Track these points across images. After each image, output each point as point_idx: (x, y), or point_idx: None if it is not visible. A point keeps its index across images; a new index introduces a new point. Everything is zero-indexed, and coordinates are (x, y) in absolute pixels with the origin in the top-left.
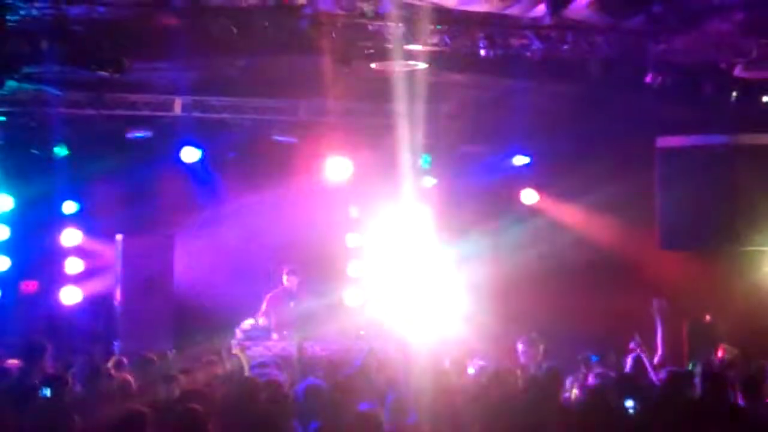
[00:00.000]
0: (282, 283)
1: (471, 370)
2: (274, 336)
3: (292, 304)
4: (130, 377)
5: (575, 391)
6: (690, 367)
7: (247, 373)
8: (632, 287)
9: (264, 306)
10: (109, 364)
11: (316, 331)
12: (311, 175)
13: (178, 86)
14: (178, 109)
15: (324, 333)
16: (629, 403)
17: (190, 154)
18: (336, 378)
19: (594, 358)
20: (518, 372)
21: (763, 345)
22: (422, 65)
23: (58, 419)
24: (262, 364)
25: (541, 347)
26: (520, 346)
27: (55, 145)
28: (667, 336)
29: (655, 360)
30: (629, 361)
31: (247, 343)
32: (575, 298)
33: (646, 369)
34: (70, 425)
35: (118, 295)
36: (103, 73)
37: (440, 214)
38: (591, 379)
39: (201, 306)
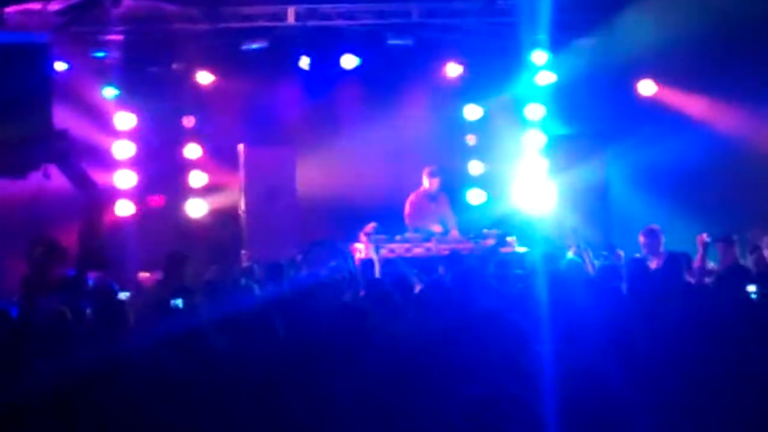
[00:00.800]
0: (422, 185)
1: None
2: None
3: (433, 205)
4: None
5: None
6: None
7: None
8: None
9: (407, 208)
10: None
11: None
12: (427, 77)
13: None
14: (291, 18)
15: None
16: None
17: (306, 63)
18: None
19: (709, 240)
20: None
21: None
22: None
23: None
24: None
25: (662, 238)
26: (641, 238)
27: (173, 61)
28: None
29: None
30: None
31: (372, 246)
32: (702, 199)
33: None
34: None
35: (242, 205)
36: None
37: (559, 109)
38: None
39: (326, 212)
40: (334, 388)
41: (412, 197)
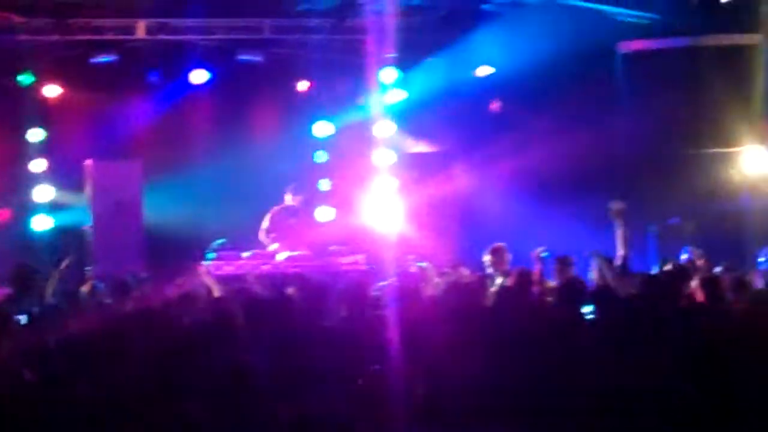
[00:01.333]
0: (284, 201)
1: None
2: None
3: (293, 221)
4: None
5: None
6: (660, 266)
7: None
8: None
9: (265, 222)
10: (84, 288)
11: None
12: (278, 93)
13: (141, 8)
14: (141, 32)
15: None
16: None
17: (156, 77)
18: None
19: (545, 255)
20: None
21: (727, 247)
22: None
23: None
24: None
25: (507, 256)
26: (486, 257)
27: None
28: (627, 238)
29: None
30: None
31: (219, 263)
32: (542, 209)
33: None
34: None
35: (89, 220)
36: None
37: (408, 127)
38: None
39: (174, 228)
40: (183, 405)
41: (272, 212)
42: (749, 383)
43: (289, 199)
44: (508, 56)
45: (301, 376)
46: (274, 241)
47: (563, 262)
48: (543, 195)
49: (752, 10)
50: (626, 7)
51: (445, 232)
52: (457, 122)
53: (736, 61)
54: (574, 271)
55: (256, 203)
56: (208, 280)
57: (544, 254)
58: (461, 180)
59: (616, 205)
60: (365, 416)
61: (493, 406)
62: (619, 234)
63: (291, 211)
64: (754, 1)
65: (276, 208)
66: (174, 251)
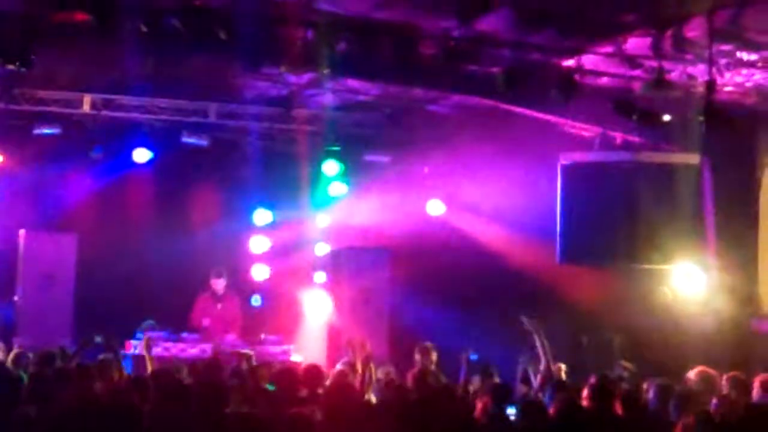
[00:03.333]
0: (209, 286)
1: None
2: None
3: (219, 306)
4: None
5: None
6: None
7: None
8: (531, 301)
9: (194, 308)
10: (9, 359)
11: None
12: (220, 178)
13: (87, 83)
14: (87, 106)
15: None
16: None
17: (98, 153)
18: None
19: (473, 357)
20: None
21: (658, 361)
22: (326, 71)
23: None
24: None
25: (434, 355)
26: (416, 355)
27: None
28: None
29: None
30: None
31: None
32: (467, 310)
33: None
34: None
35: (17, 290)
36: (10, 67)
37: (346, 223)
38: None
39: (104, 303)
40: None
41: (199, 297)
42: None
43: (214, 283)
44: (451, 158)
45: None
46: (200, 326)
47: (485, 372)
48: (472, 300)
49: (692, 129)
50: (570, 118)
51: (374, 327)
52: (395, 219)
53: (673, 178)
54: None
55: (190, 286)
56: (146, 355)
57: (472, 356)
58: (391, 276)
59: (527, 320)
60: None
61: None
62: (538, 346)
63: (215, 296)
64: (694, 122)
65: (201, 293)
66: (103, 327)
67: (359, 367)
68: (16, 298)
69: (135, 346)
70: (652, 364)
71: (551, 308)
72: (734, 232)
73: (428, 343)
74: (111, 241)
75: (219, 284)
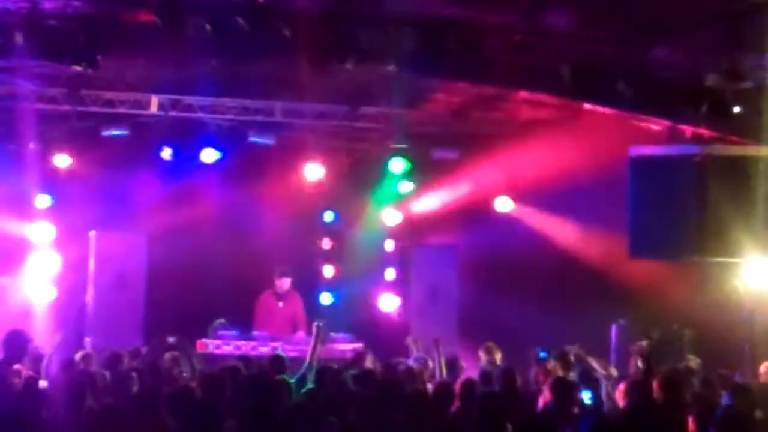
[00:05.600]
0: (273, 285)
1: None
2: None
3: (281, 304)
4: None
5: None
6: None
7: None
8: (601, 295)
9: (256, 306)
10: (77, 357)
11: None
12: (287, 177)
13: (154, 84)
14: (154, 107)
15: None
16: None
17: (168, 154)
18: None
19: (543, 355)
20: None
21: (728, 356)
22: (394, 68)
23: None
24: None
25: (499, 355)
26: (481, 355)
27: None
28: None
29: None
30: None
31: (217, 342)
32: (540, 306)
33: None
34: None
35: (89, 291)
36: (77, 68)
37: (414, 220)
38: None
39: (174, 303)
40: None
41: (261, 296)
42: None
43: (279, 282)
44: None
45: None
46: (263, 325)
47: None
48: (542, 296)
49: (763, 121)
50: (639, 111)
51: (443, 324)
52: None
53: (744, 171)
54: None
55: (259, 286)
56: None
57: (541, 354)
58: (460, 273)
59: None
60: None
61: None
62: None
63: (278, 296)
64: (766, 113)
65: (264, 293)
66: (174, 327)
67: (430, 363)
68: (87, 299)
69: (207, 345)
70: (722, 358)
71: (622, 303)
72: None
73: (490, 343)
74: (181, 241)
75: (284, 283)
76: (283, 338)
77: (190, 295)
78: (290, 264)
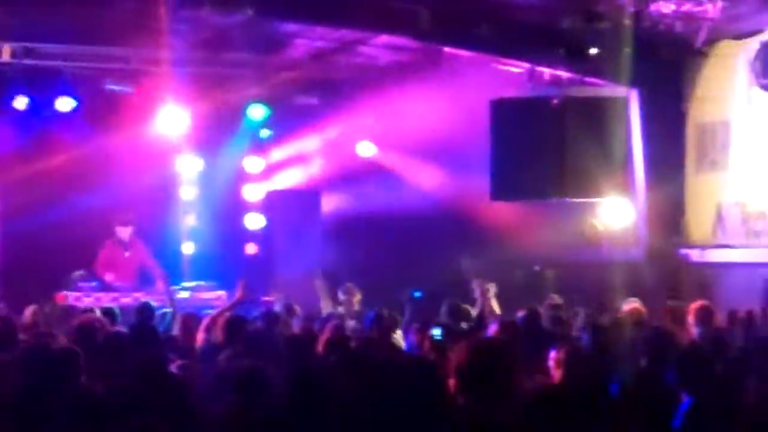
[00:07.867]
0: (115, 234)
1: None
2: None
3: (127, 254)
4: None
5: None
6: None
7: None
8: (463, 238)
9: (98, 256)
10: None
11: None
12: (146, 125)
13: (6, 32)
14: (6, 55)
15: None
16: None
17: (23, 103)
18: None
19: (417, 295)
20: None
21: (589, 294)
22: (251, 12)
23: None
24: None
25: (358, 297)
26: (340, 296)
27: None
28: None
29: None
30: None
31: (77, 294)
32: (402, 250)
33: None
34: None
35: None
36: None
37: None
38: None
39: (30, 256)
40: None
41: (104, 246)
42: None
43: (119, 231)
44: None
45: None
46: (106, 275)
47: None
48: (406, 241)
49: (620, 62)
50: (498, 54)
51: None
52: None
53: (602, 112)
54: None
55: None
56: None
57: (415, 294)
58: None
59: (466, 264)
60: None
61: None
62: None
63: (123, 244)
64: (623, 54)
65: (106, 241)
66: (31, 279)
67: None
68: None
69: (67, 297)
70: (582, 296)
71: (484, 245)
72: (662, 164)
73: (350, 284)
74: (36, 191)
75: (123, 231)
76: (144, 289)
77: (47, 246)
78: (146, 214)
